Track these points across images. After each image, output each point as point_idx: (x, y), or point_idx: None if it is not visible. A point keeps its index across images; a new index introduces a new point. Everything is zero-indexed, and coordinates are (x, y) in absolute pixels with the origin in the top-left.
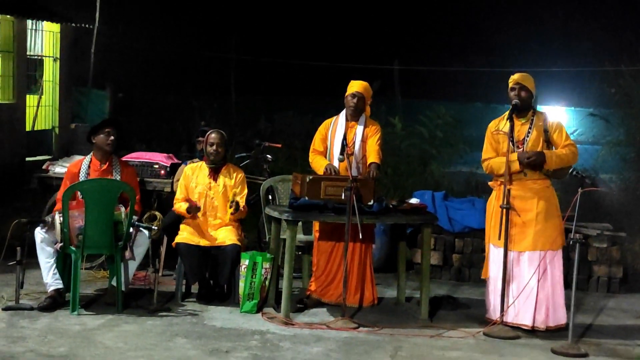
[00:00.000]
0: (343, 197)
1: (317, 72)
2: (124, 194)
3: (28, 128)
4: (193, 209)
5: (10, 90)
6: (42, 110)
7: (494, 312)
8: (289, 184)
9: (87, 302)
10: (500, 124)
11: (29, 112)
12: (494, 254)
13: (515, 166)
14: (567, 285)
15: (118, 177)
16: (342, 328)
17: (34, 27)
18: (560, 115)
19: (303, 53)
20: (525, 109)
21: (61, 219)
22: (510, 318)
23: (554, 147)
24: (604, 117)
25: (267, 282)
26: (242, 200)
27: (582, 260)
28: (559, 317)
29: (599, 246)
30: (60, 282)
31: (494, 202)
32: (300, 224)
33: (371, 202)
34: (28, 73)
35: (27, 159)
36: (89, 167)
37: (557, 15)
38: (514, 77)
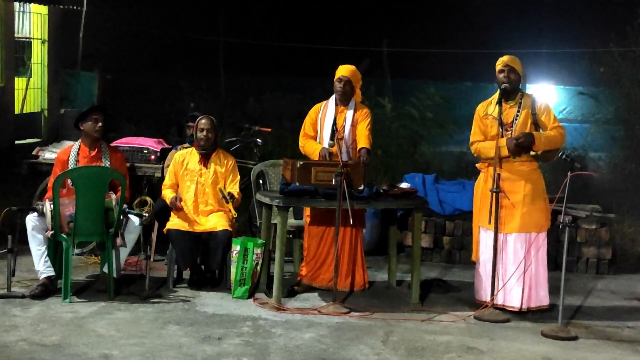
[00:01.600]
0: (334, 183)
1: (306, 52)
2: (114, 180)
3: (17, 111)
4: (173, 205)
5: None
6: (30, 93)
7: (484, 294)
8: (279, 168)
9: (79, 289)
10: (488, 108)
11: (18, 95)
12: (483, 237)
13: (504, 152)
14: (556, 267)
15: (107, 164)
16: (334, 313)
17: (21, 9)
18: (550, 93)
19: (292, 33)
20: (513, 91)
21: (52, 206)
22: (499, 300)
23: (541, 129)
24: (593, 95)
25: (258, 268)
26: (235, 188)
27: (571, 241)
28: (541, 298)
29: (588, 227)
30: (52, 269)
31: (481, 185)
32: (291, 208)
33: (362, 187)
34: (16, 55)
35: (17, 142)
36: (77, 153)
37: None
38: (503, 60)
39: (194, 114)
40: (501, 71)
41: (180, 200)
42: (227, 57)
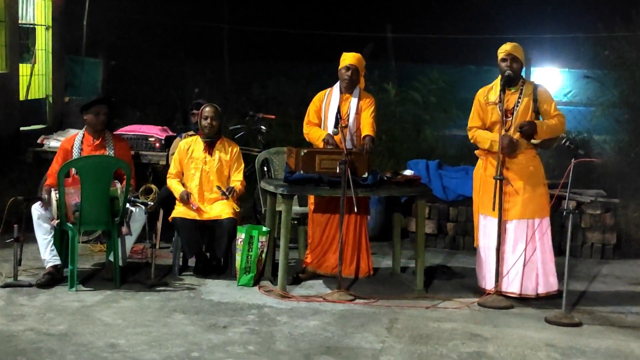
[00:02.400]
0: (338, 171)
1: (310, 38)
2: (119, 169)
3: (22, 97)
4: (184, 201)
5: (3, 60)
6: (35, 79)
7: (485, 281)
8: (283, 156)
9: (85, 277)
10: (489, 94)
11: (22, 82)
12: (483, 224)
13: (495, 148)
14: (561, 252)
15: (111, 153)
16: (339, 300)
17: None
18: (554, 76)
19: (295, 19)
20: (516, 78)
21: (57, 195)
22: (502, 287)
23: (542, 117)
24: (598, 78)
25: (263, 255)
26: (239, 176)
27: (576, 227)
28: (550, 283)
29: (593, 213)
30: (58, 258)
31: (480, 172)
32: (295, 195)
33: (365, 175)
34: (20, 42)
35: (22, 128)
36: (82, 142)
37: None
38: (506, 48)
39: (198, 101)
40: (504, 60)
41: (190, 195)
42: (231, 44)
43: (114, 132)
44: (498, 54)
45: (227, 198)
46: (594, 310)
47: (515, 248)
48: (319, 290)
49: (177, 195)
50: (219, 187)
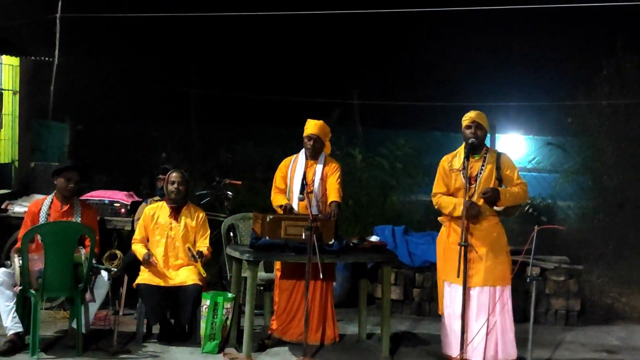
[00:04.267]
0: (304, 237)
1: (277, 102)
2: (83, 235)
3: None
4: (146, 262)
5: None
6: (1, 144)
7: (449, 348)
8: (250, 221)
9: (47, 344)
10: (454, 162)
11: None
12: (447, 291)
13: (458, 212)
14: (525, 318)
15: (78, 219)
16: None
17: None
18: (519, 143)
19: (263, 84)
20: (479, 146)
21: (20, 261)
22: (464, 354)
23: (504, 184)
24: (561, 145)
25: (228, 322)
26: (205, 242)
27: (540, 293)
28: (509, 352)
29: (557, 279)
30: (20, 325)
31: (444, 239)
32: (261, 262)
33: (332, 241)
34: None
35: None
36: (49, 207)
37: (514, 48)
38: (470, 115)
39: (165, 166)
40: (468, 127)
41: (153, 256)
42: (199, 108)
43: (81, 198)
44: (462, 122)
45: (196, 261)
46: None
47: (478, 315)
48: (285, 358)
49: (139, 256)
50: (189, 249)
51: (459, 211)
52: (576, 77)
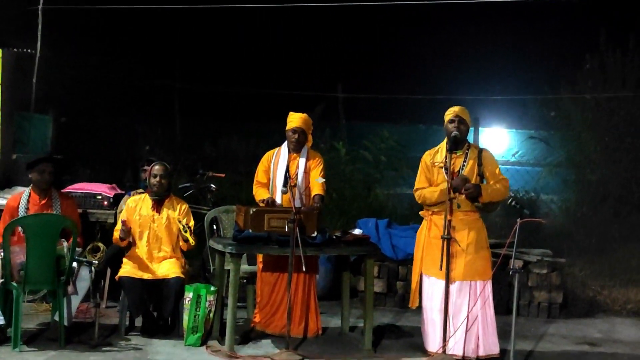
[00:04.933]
0: (286, 229)
1: (262, 97)
2: (65, 227)
3: None
4: (124, 232)
5: None
6: None
7: (430, 342)
8: (233, 214)
9: (30, 337)
10: (436, 157)
11: None
12: (427, 284)
13: (443, 195)
14: (508, 311)
15: (58, 211)
16: None
17: None
18: (502, 136)
19: (247, 78)
20: (462, 141)
21: (2, 254)
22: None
23: (485, 179)
24: (544, 139)
25: (211, 315)
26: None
27: (523, 286)
28: (491, 346)
29: (539, 272)
30: (2, 318)
31: (424, 232)
32: (244, 254)
33: (314, 234)
34: None
35: None
36: (28, 201)
37: (498, 42)
38: (454, 110)
39: (151, 158)
40: (451, 121)
41: (126, 224)
42: (183, 102)
43: (62, 190)
44: (445, 116)
45: (186, 232)
46: None
47: (459, 309)
48: (267, 350)
49: (117, 238)
50: (179, 220)
51: (443, 194)
52: (559, 71)
